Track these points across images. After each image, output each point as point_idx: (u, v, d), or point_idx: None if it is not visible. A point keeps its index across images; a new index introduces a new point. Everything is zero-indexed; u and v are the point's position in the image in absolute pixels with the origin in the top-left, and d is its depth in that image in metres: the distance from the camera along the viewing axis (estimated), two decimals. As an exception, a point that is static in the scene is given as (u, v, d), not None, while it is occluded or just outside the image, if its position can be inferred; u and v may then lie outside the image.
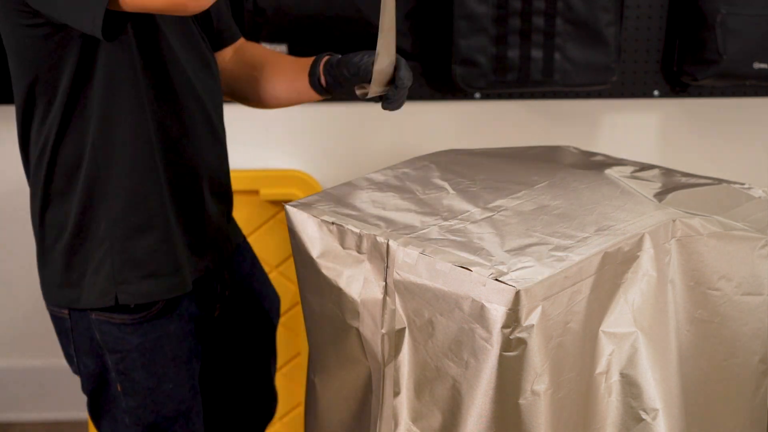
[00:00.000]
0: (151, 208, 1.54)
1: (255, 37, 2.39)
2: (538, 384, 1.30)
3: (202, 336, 1.69)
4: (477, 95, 2.69)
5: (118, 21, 1.39)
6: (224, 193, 1.70)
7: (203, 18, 1.68)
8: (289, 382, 2.51)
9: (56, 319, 1.62)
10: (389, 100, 1.59)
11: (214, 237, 1.66)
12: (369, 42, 1.58)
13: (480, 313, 1.28)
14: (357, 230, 1.43)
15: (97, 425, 1.68)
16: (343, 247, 1.45)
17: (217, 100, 1.66)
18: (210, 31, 1.71)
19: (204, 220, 1.63)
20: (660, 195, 1.59)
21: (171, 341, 1.60)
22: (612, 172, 1.68)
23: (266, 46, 2.07)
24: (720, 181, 1.70)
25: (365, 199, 1.55)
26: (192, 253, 1.61)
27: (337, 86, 1.64)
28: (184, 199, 1.59)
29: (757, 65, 2.54)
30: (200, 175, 1.61)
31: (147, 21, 1.49)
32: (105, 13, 1.34)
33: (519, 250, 1.36)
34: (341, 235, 1.45)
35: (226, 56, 1.79)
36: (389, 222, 1.46)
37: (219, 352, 1.77)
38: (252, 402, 1.84)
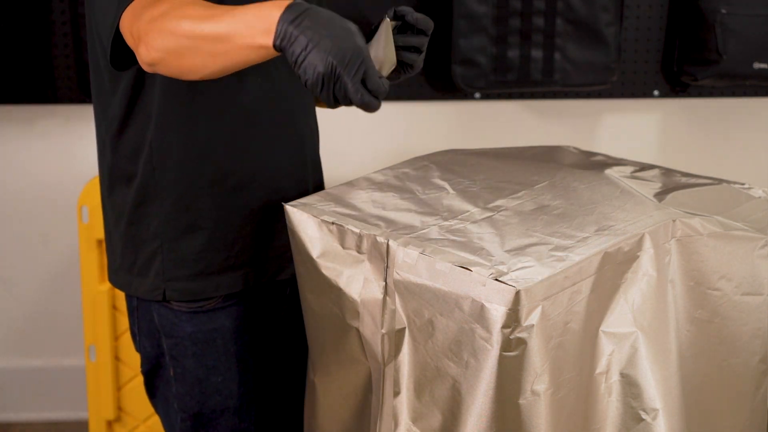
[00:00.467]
0: (201, 210, 1.56)
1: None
2: (538, 384, 1.30)
3: (268, 335, 1.69)
4: (477, 95, 2.69)
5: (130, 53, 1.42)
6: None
7: None
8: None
9: (126, 297, 1.67)
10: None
11: (280, 244, 1.62)
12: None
13: (480, 313, 1.28)
14: (357, 230, 1.43)
15: (153, 404, 1.73)
16: (343, 247, 1.45)
17: (305, 102, 1.65)
18: None
19: (263, 227, 1.61)
20: (660, 195, 1.59)
21: (224, 336, 1.61)
22: (612, 172, 1.68)
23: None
24: (720, 181, 1.70)
25: (365, 199, 1.55)
26: (249, 257, 1.60)
27: None
28: (239, 206, 1.58)
29: (757, 65, 2.55)
30: (261, 184, 1.59)
31: None
32: (114, 42, 1.39)
33: (519, 250, 1.36)
34: (341, 235, 1.45)
35: None
36: (389, 222, 1.46)
37: (287, 351, 1.77)
38: (292, 412, 1.82)
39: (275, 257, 1.63)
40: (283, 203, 1.53)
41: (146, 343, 1.66)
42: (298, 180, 1.65)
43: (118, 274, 1.65)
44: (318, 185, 1.73)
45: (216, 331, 1.60)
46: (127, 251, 1.62)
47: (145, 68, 1.36)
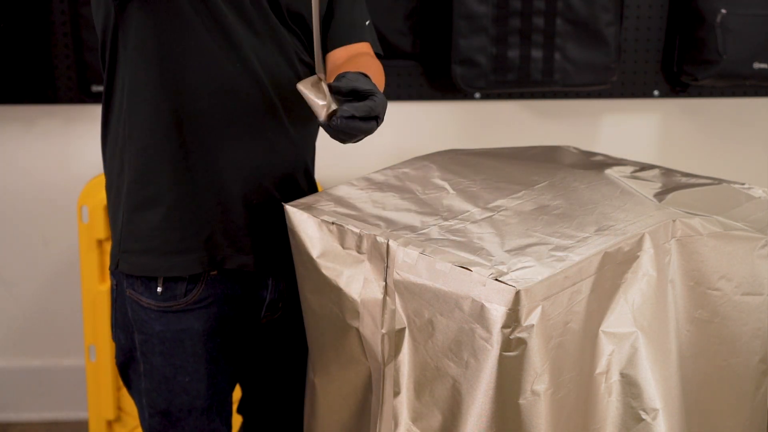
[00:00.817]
0: (158, 187, 1.56)
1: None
2: (538, 384, 1.30)
3: (244, 339, 1.68)
4: (477, 95, 2.69)
5: None
6: (267, 199, 1.61)
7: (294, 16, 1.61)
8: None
9: (111, 288, 1.69)
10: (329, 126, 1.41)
11: (244, 239, 1.61)
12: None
13: (480, 313, 1.28)
14: (357, 230, 1.43)
15: (130, 395, 1.73)
16: (343, 247, 1.45)
17: (287, 101, 1.60)
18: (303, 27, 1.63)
19: (228, 217, 1.59)
20: (660, 195, 1.59)
21: (193, 338, 1.61)
22: (612, 172, 1.68)
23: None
24: (720, 181, 1.70)
25: (365, 199, 1.55)
26: (205, 240, 1.59)
27: None
28: (198, 190, 1.57)
29: (757, 65, 2.55)
30: (225, 168, 1.57)
31: (175, 13, 1.50)
32: None
33: (519, 250, 1.36)
34: (341, 235, 1.45)
35: (338, 59, 1.68)
36: (389, 222, 1.46)
37: (267, 357, 1.77)
38: (291, 412, 1.82)
39: (227, 245, 1.60)
40: (283, 203, 1.53)
41: (121, 336, 1.66)
42: (268, 172, 1.60)
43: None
44: (292, 175, 1.65)
45: (184, 332, 1.60)
46: (111, 221, 1.65)
47: None
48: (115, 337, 1.68)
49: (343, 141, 1.41)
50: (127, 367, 1.68)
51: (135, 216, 1.58)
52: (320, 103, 1.39)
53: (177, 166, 1.55)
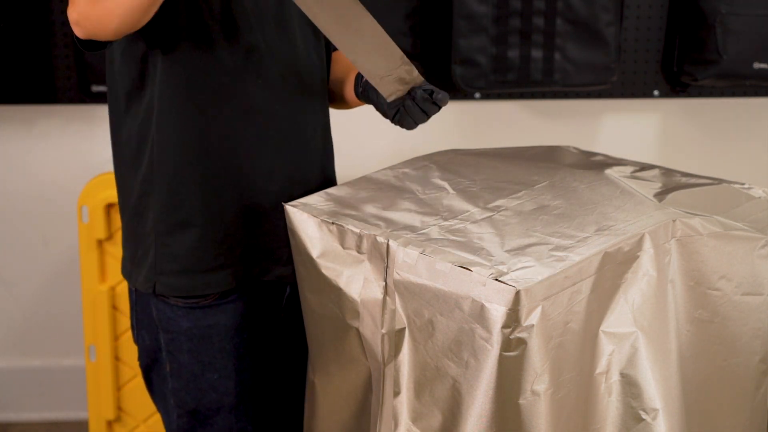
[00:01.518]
0: (193, 207, 1.56)
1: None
2: (538, 384, 1.30)
3: (268, 333, 1.69)
4: (477, 95, 2.69)
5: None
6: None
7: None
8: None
9: (128, 290, 1.69)
10: (401, 114, 1.55)
11: (280, 251, 1.62)
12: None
13: (480, 313, 1.28)
14: (357, 230, 1.43)
15: (153, 399, 1.74)
16: (343, 247, 1.45)
17: (312, 103, 1.63)
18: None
19: (253, 226, 1.60)
20: (660, 195, 1.59)
21: (221, 333, 1.61)
22: (612, 172, 1.68)
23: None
24: (720, 181, 1.70)
25: (365, 199, 1.55)
26: (238, 255, 1.60)
27: (370, 94, 1.61)
28: (228, 204, 1.58)
29: (757, 65, 2.55)
30: (252, 183, 1.58)
31: (199, 38, 1.50)
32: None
33: (519, 250, 1.36)
34: (341, 235, 1.45)
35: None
36: (389, 222, 1.46)
37: (284, 353, 1.77)
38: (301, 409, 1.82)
39: (263, 258, 1.62)
40: (283, 203, 1.53)
41: (146, 336, 1.66)
42: (297, 181, 1.63)
43: (124, 264, 1.67)
44: (320, 185, 1.69)
45: (212, 328, 1.61)
46: (130, 242, 1.64)
47: (75, 30, 1.42)
48: (139, 338, 1.68)
49: (411, 125, 1.56)
50: (150, 369, 1.69)
51: (169, 239, 1.57)
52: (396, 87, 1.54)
53: (206, 187, 1.56)
